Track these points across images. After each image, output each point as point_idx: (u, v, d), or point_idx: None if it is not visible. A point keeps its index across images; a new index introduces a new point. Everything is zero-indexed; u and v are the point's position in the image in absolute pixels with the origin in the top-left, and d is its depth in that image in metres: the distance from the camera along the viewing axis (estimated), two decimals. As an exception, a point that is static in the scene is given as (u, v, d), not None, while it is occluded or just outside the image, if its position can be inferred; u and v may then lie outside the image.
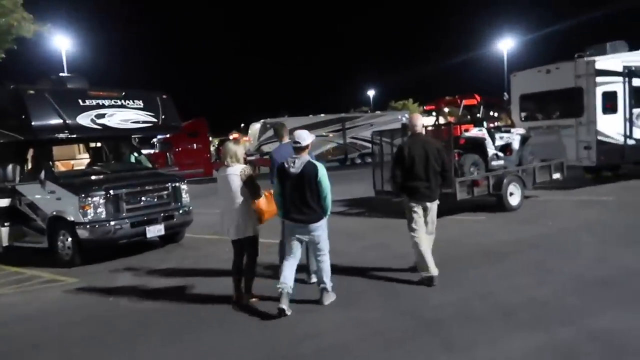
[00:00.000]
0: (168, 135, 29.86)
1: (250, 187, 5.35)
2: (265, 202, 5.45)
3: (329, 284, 5.26)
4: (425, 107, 12.30)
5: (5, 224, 8.85)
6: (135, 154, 10.10)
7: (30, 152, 8.84)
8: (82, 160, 10.40)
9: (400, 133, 10.86)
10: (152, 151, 30.04)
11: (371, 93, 66.90)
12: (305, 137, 5.10)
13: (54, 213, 8.20)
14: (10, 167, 8.30)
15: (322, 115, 33.11)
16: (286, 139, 6.16)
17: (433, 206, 5.88)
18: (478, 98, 10.83)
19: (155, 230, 8.48)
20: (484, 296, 5.20)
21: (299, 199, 5.02)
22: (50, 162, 8.61)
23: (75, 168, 9.84)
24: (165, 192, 8.86)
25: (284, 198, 5.14)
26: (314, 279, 5.78)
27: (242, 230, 5.38)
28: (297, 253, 5.25)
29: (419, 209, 5.79)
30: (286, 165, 5.08)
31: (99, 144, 10.23)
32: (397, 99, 54.14)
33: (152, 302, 5.92)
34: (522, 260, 6.46)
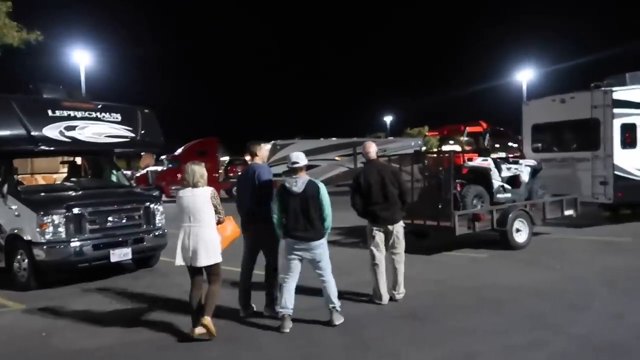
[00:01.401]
0: (177, 153, 29.85)
1: (218, 210, 5.16)
2: (227, 227, 5.50)
3: (337, 303, 5.24)
4: (427, 134, 11.54)
5: (-35, 240, 8.22)
6: (114, 171, 9.48)
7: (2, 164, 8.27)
8: (64, 174, 9.83)
9: (410, 159, 10.13)
10: (159, 168, 29.83)
11: (388, 119, 66.41)
12: (303, 158, 5.24)
13: (12, 231, 7.57)
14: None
15: (334, 139, 32.48)
16: (257, 161, 5.79)
17: (397, 227, 6.08)
18: (484, 125, 10.04)
19: (120, 254, 7.75)
20: (465, 358, 4.33)
21: (303, 217, 5.12)
22: (14, 175, 7.99)
23: (50, 183, 9.28)
24: (137, 213, 8.16)
25: (286, 216, 5.18)
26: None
27: (213, 256, 5.04)
28: (295, 273, 5.29)
29: (379, 233, 6.02)
30: (288, 185, 5.16)
31: (78, 159, 9.67)
32: (413, 125, 53.36)
33: (90, 339, 5.16)
34: (520, 312, 5.55)
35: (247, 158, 5.93)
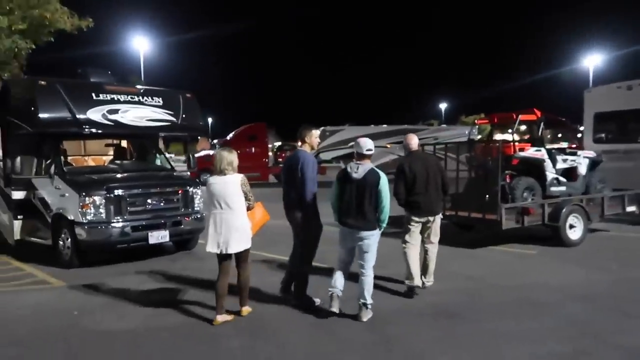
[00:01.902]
0: (228, 138, 30.32)
1: (249, 197, 5.16)
2: (256, 213, 5.43)
3: (369, 300, 5.07)
4: (477, 122, 10.99)
5: (19, 217, 8.61)
6: (157, 154, 9.63)
7: (50, 145, 8.58)
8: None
9: (466, 148, 9.67)
10: (211, 152, 30.45)
11: (443, 106, 64.69)
12: (370, 145, 5.12)
13: (58, 210, 7.84)
14: (19, 159, 7.98)
15: (385, 125, 31.95)
16: (306, 147, 5.61)
17: (436, 219, 6.10)
18: (538, 114, 9.37)
19: (158, 237, 7.87)
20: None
21: (356, 205, 5.01)
22: (61, 157, 8.24)
23: (99, 164, 9.53)
24: (175, 197, 8.25)
25: (341, 202, 5.13)
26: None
27: (245, 241, 5.10)
28: (349, 260, 5.27)
29: (418, 224, 6.02)
30: (349, 170, 5.10)
31: (123, 142, 9.90)
32: (469, 113, 51.63)
33: (117, 322, 5.22)
34: (562, 317, 5.11)
35: (298, 143, 5.72)
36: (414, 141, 6.25)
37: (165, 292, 6.33)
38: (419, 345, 4.40)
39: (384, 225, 5.12)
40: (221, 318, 5.07)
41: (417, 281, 5.90)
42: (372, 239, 5.05)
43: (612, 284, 6.37)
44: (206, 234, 5.13)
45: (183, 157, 31.54)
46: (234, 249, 5.01)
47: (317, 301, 5.52)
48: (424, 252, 6.19)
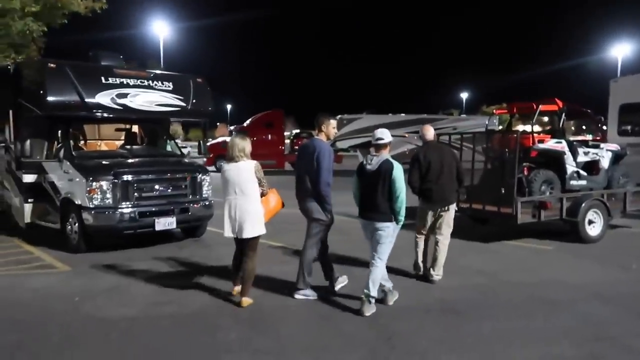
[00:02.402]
0: (245, 124, 30.24)
1: (262, 183, 5.22)
2: (270, 199, 5.47)
3: (372, 292, 4.92)
4: (495, 111, 10.61)
5: (29, 200, 8.62)
6: (167, 140, 9.55)
7: (60, 129, 8.54)
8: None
9: (483, 139, 9.38)
10: (228, 139, 30.44)
11: (464, 96, 63.68)
12: (382, 134, 5.03)
13: (67, 195, 7.81)
14: (30, 142, 7.94)
15: (402, 115, 31.50)
16: (322, 136, 5.42)
17: (449, 210, 6.04)
18: (560, 104, 8.99)
19: (165, 223, 7.79)
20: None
21: (370, 196, 4.95)
22: (71, 141, 8.18)
23: (112, 149, 9.48)
24: (184, 183, 8.16)
25: (361, 195, 5.13)
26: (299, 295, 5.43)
27: (258, 227, 5.15)
28: (381, 253, 5.05)
29: (430, 213, 6.03)
30: (364, 162, 5.08)
31: (135, 126, 9.83)
32: (490, 103, 50.69)
33: (117, 309, 5.15)
34: (576, 317, 4.87)
35: (315, 131, 5.53)
36: (430, 132, 6.34)
37: (169, 279, 6.24)
38: (422, 343, 4.22)
39: (401, 217, 4.92)
40: (238, 288, 5.37)
41: (421, 270, 6.12)
42: (386, 231, 4.90)
43: (631, 283, 6.09)
44: (222, 220, 5.20)
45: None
46: (247, 234, 5.09)
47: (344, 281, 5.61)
48: (434, 244, 6.09)
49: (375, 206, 4.91)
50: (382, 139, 5.02)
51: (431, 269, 6.03)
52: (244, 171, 5.10)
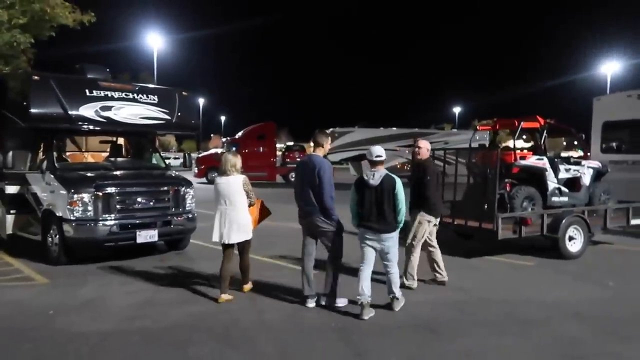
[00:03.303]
0: (237, 136, 30.25)
1: (250, 195, 5.88)
2: (257, 209, 6.19)
3: (397, 293, 5.51)
4: (478, 127, 10.71)
5: (12, 211, 8.58)
6: (153, 152, 9.57)
7: (43, 141, 8.53)
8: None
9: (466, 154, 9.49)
10: (220, 150, 30.39)
11: (457, 110, 64.12)
12: (379, 152, 5.40)
13: (48, 206, 7.79)
14: (12, 153, 7.93)
15: (394, 128, 31.68)
16: (319, 152, 5.65)
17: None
18: (542, 121, 9.10)
19: (147, 236, 7.78)
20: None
21: (376, 209, 5.29)
22: (54, 153, 8.17)
23: (97, 161, 9.46)
24: (166, 196, 8.16)
25: (361, 207, 5.39)
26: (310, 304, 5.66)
27: (245, 233, 5.84)
28: (370, 261, 5.44)
29: (433, 224, 6.53)
30: (365, 177, 5.38)
31: (121, 139, 9.83)
32: (482, 118, 51.09)
33: (90, 323, 5.12)
34: (551, 336, 4.89)
35: (310, 146, 5.76)
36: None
37: (147, 292, 6.23)
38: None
39: (401, 225, 5.43)
40: (225, 297, 5.80)
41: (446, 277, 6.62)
42: (392, 240, 5.37)
43: (606, 301, 6.12)
44: (208, 231, 5.86)
45: (195, 154, 31.40)
46: (234, 239, 5.80)
47: (344, 302, 5.63)
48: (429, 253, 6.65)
49: (382, 218, 5.28)
50: (380, 156, 5.38)
51: (436, 274, 6.64)
52: (234, 184, 5.77)
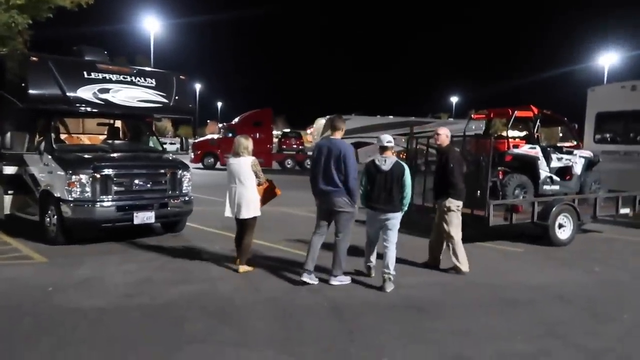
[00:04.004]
0: (233, 122, 30.22)
1: (258, 175, 6.35)
2: (265, 188, 6.58)
3: (392, 271, 5.82)
4: (473, 116, 10.84)
5: (9, 192, 8.66)
6: (150, 135, 9.64)
7: (41, 122, 8.60)
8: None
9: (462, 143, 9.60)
10: (216, 136, 30.38)
11: (454, 100, 64.13)
12: (389, 138, 6.00)
13: (46, 187, 7.88)
14: (10, 134, 7.99)
15: (391, 117, 31.81)
16: (337, 135, 5.93)
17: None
18: (535, 110, 9.21)
19: (143, 218, 7.89)
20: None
21: (386, 192, 5.81)
22: (52, 134, 8.23)
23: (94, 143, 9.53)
24: (163, 178, 8.26)
25: (371, 190, 5.91)
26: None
27: (253, 210, 6.32)
28: (376, 239, 6.14)
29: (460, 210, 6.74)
30: (377, 162, 5.87)
31: (118, 121, 9.89)
32: (479, 108, 51.20)
33: (88, 300, 5.24)
34: (535, 317, 5.06)
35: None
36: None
37: (142, 272, 6.35)
38: (381, 339, 4.38)
39: (405, 208, 5.97)
40: (242, 268, 6.34)
41: (467, 267, 6.63)
42: (396, 219, 5.91)
43: (591, 285, 6.30)
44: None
45: (191, 140, 31.37)
46: (244, 215, 6.30)
47: (348, 280, 6.01)
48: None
49: (391, 199, 5.83)
50: (390, 142, 5.96)
51: (457, 262, 6.67)
52: (244, 165, 6.28)
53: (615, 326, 4.87)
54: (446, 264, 6.78)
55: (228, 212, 6.41)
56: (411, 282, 6.13)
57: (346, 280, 5.94)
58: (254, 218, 6.38)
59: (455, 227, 6.63)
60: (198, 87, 59.86)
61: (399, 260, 7.08)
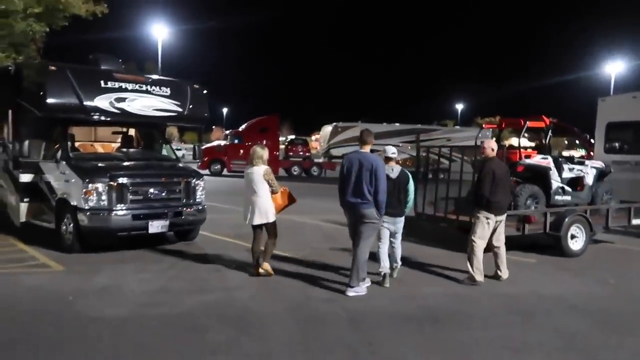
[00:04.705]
0: (240, 129, 30.33)
1: (271, 184, 6.59)
2: (280, 197, 6.82)
3: (399, 264, 6.70)
4: (485, 125, 10.87)
5: (25, 199, 8.73)
6: (163, 144, 9.73)
7: (58, 130, 8.69)
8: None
9: (472, 152, 9.67)
10: (223, 143, 30.50)
11: (459, 107, 64.19)
12: (393, 149, 6.65)
13: (63, 195, 7.96)
14: (28, 142, 8.09)
15: (397, 124, 31.89)
16: (366, 149, 6.10)
17: (504, 218, 7.01)
18: (547, 121, 9.26)
19: (158, 226, 7.96)
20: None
21: (395, 198, 6.33)
22: (68, 142, 8.33)
23: (108, 152, 9.62)
24: (178, 187, 8.33)
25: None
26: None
27: (265, 217, 6.58)
28: (387, 240, 6.52)
29: (492, 221, 6.74)
30: (386, 172, 6.16)
31: (131, 130, 9.99)
32: (484, 115, 51.24)
33: (110, 308, 5.30)
34: (551, 329, 5.08)
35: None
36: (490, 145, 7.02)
37: (159, 281, 6.40)
38: (401, 349, 4.41)
39: (407, 211, 6.66)
40: (266, 266, 6.56)
41: (480, 276, 6.64)
42: (402, 221, 6.60)
43: (606, 297, 6.31)
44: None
45: (196, 146, 31.38)
46: (256, 222, 6.61)
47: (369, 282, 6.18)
48: (495, 250, 6.95)
49: (398, 205, 6.41)
50: (394, 153, 6.66)
51: (498, 270, 6.91)
52: (257, 174, 6.55)
53: (633, 341, 4.87)
54: (462, 275, 6.81)
55: (244, 219, 6.70)
56: (427, 293, 6.17)
57: (362, 291, 5.98)
58: (273, 223, 6.65)
59: (476, 235, 6.71)
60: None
61: (413, 271, 7.18)
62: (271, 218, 6.62)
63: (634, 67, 40.09)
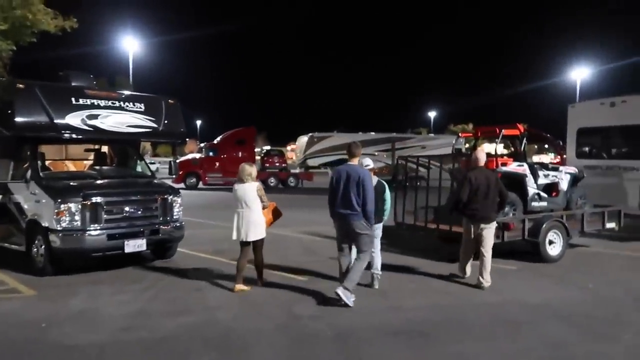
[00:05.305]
0: (215, 142, 30.01)
1: (263, 200, 6.72)
2: (268, 212, 6.98)
3: (379, 272, 6.84)
4: (461, 134, 11.00)
5: (-8, 221, 8.41)
6: (138, 160, 9.50)
7: (27, 150, 8.40)
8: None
9: (450, 160, 9.75)
10: (197, 156, 30.13)
11: (432, 114, 65.08)
12: (369, 161, 6.77)
13: (33, 216, 7.68)
14: (-1, 163, 7.81)
15: (372, 133, 32.09)
16: (355, 161, 6.29)
17: (491, 226, 7.20)
18: (521, 129, 9.41)
19: (135, 245, 7.73)
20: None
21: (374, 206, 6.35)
22: (38, 161, 8.04)
23: (80, 169, 9.34)
24: (154, 205, 8.12)
25: None
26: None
27: (260, 233, 6.70)
28: (376, 246, 6.77)
29: (474, 229, 7.09)
30: None
31: (104, 147, 9.74)
32: (458, 122, 52.06)
33: (85, 334, 5.09)
34: (537, 338, 5.08)
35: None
36: (481, 156, 7.34)
37: (138, 303, 6.20)
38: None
39: (385, 218, 6.92)
40: (239, 287, 6.61)
41: (468, 274, 7.31)
42: (380, 228, 6.83)
43: (588, 303, 6.37)
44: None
45: (171, 159, 31.03)
46: (251, 237, 6.64)
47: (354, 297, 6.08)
48: (481, 255, 7.12)
49: (377, 213, 6.44)
50: (369, 165, 6.65)
51: (480, 277, 6.99)
52: (249, 191, 6.64)
53: (621, 346, 4.92)
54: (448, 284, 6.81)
55: (235, 235, 6.69)
56: (411, 305, 6.14)
57: (350, 299, 5.93)
58: (262, 239, 6.76)
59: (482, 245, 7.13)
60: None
61: (396, 282, 7.14)
62: (264, 233, 6.75)
63: (598, 73, 41.37)
